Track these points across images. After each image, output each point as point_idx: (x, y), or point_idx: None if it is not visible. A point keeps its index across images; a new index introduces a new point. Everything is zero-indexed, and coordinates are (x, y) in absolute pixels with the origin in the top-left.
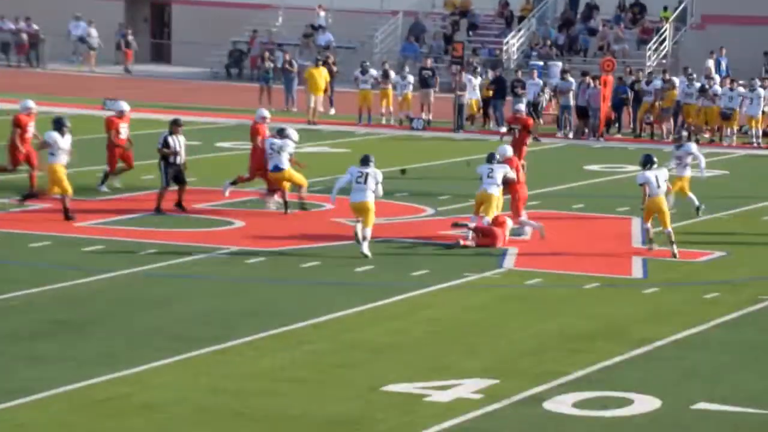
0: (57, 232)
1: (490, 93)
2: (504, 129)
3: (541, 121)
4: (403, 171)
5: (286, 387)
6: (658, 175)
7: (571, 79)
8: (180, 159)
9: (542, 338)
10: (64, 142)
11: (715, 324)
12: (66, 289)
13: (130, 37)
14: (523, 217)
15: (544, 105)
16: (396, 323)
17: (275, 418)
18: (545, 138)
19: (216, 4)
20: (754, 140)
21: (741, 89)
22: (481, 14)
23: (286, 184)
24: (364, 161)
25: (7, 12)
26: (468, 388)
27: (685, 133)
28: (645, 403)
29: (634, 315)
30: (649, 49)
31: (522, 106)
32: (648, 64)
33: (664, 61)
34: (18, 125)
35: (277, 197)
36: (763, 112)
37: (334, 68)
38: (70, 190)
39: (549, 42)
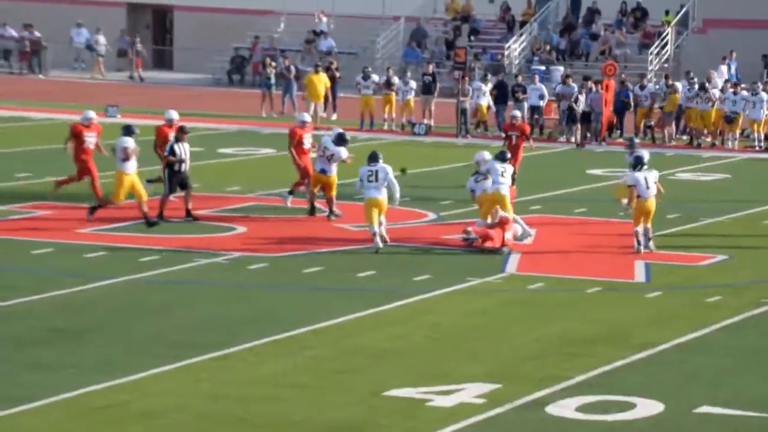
0: (59, 239)
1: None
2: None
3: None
4: (403, 171)
5: (287, 393)
6: (648, 177)
7: (573, 84)
8: (185, 167)
9: (545, 343)
10: (135, 149)
11: (717, 327)
12: (66, 296)
13: (139, 45)
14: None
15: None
16: (398, 328)
17: (277, 425)
18: (549, 143)
19: (218, 10)
20: (756, 144)
21: (744, 93)
22: (482, 19)
23: (315, 189)
24: (373, 158)
25: (9, 19)
26: (470, 392)
27: (637, 140)
28: (647, 407)
29: (637, 319)
30: (651, 53)
31: (518, 113)
32: (650, 68)
33: (666, 65)
34: (75, 135)
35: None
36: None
37: (337, 74)
38: (145, 196)
39: (550, 47)
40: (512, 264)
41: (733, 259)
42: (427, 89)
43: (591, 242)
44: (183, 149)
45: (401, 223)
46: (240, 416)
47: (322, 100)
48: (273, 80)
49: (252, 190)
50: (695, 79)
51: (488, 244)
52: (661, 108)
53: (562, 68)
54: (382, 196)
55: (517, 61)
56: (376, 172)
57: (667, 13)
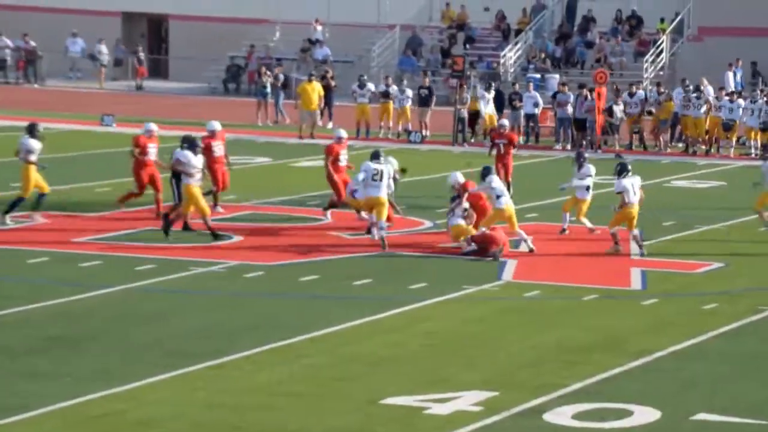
0: (55, 248)
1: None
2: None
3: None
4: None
5: (284, 401)
6: (634, 183)
7: (569, 92)
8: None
9: (541, 350)
10: (198, 160)
11: (714, 335)
12: (62, 305)
13: (142, 54)
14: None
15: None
16: (394, 336)
17: None
18: (543, 150)
19: (213, 19)
20: (753, 151)
21: (741, 101)
22: (478, 27)
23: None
24: (376, 156)
25: (4, 29)
26: (467, 400)
27: (587, 155)
28: (644, 415)
29: (633, 326)
30: (647, 61)
31: (506, 121)
32: (645, 76)
33: (661, 73)
34: (137, 147)
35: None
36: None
37: (332, 83)
38: (207, 209)
39: (545, 55)
40: (508, 271)
41: (730, 266)
42: (423, 101)
43: (587, 250)
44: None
45: (397, 231)
46: (236, 425)
47: (315, 107)
48: (269, 89)
49: (247, 198)
50: (690, 87)
51: (494, 248)
52: (649, 113)
53: (557, 76)
54: (383, 195)
55: (512, 70)
56: (382, 172)
57: (662, 21)
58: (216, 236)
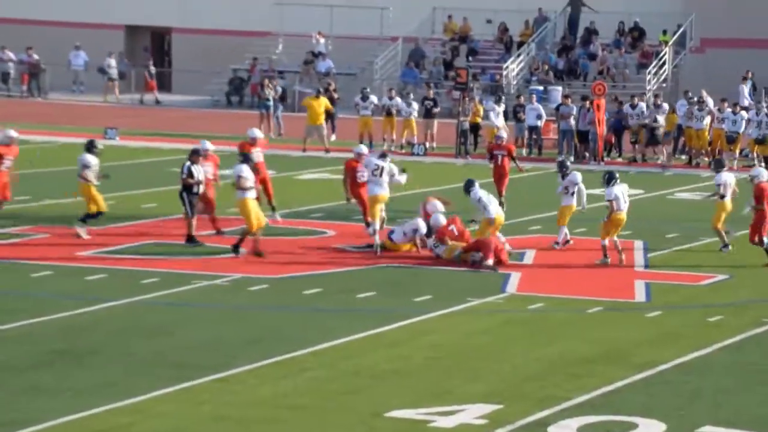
0: (59, 261)
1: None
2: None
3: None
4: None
5: (288, 414)
6: (624, 192)
7: (572, 104)
8: (202, 188)
9: (546, 363)
10: (252, 174)
11: (718, 347)
12: (66, 318)
13: (152, 68)
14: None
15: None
16: (398, 349)
17: None
18: (546, 162)
19: (216, 32)
20: (756, 163)
21: (744, 113)
22: (480, 40)
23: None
24: (382, 156)
25: (8, 42)
26: (472, 413)
27: (568, 163)
28: (649, 427)
29: (638, 339)
30: (649, 73)
31: (504, 133)
32: (648, 88)
33: (664, 84)
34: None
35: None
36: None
37: (335, 95)
38: (263, 221)
39: (548, 67)
40: (512, 284)
41: (734, 278)
42: (428, 113)
43: (591, 262)
44: (199, 171)
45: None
46: None
47: (321, 122)
48: (271, 101)
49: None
50: (694, 99)
51: (503, 256)
52: (644, 126)
53: (560, 88)
54: (385, 192)
55: (515, 82)
56: (382, 169)
57: (664, 32)
58: (258, 253)
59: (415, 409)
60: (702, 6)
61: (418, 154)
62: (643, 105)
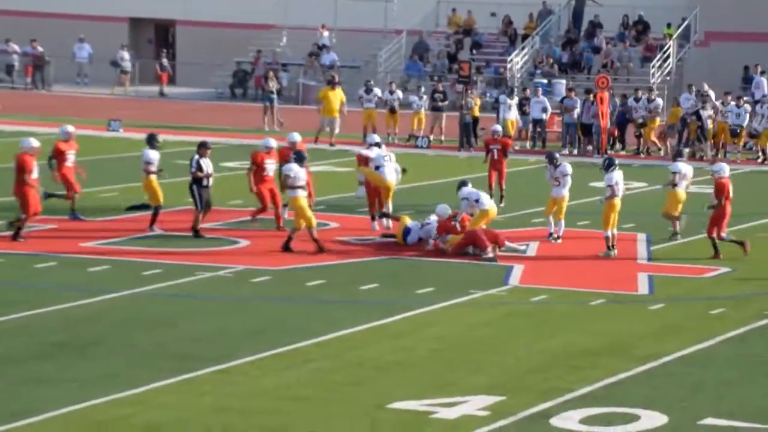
0: (63, 252)
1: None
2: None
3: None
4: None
5: (291, 406)
6: (620, 178)
7: (576, 97)
8: (211, 182)
9: (548, 355)
10: (304, 173)
11: (721, 339)
12: (68, 309)
13: (165, 60)
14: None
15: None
16: (401, 341)
17: None
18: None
19: (220, 24)
20: (760, 156)
21: (747, 106)
22: (484, 33)
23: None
24: (378, 146)
25: (12, 35)
26: (474, 405)
27: (557, 155)
28: (652, 419)
29: (640, 331)
30: (653, 66)
31: (499, 127)
32: (652, 81)
33: (668, 78)
34: (254, 162)
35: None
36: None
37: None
38: (314, 221)
39: (552, 60)
40: (515, 276)
41: (737, 271)
42: (437, 107)
43: (594, 254)
44: (208, 164)
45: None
46: (243, 429)
47: (336, 114)
48: (275, 94)
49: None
50: (701, 92)
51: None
52: (642, 124)
53: (564, 81)
54: (393, 180)
55: (519, 75)
56: (390, 155)
57: (669, 26)
58: (320, 249)
59: (418, 400)
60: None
61: (421, 147)
62: (648, 100)
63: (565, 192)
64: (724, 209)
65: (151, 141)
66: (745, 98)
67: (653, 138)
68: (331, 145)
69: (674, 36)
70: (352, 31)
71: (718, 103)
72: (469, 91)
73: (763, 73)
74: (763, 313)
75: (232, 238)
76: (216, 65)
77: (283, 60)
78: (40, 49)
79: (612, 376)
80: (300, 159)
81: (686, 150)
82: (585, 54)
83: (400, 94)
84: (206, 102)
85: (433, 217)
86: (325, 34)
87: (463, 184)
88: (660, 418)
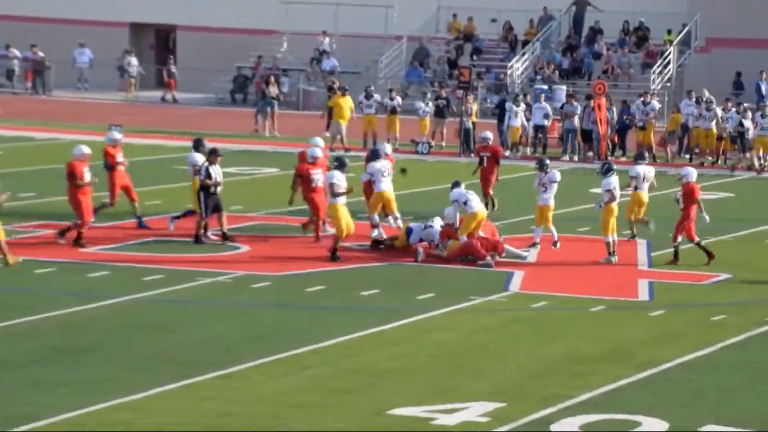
0: (63, 258)
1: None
2: (508, 153)
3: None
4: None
5: (291, 412)
6: (618, 183)
7: (576, 104)
8: (219, 189)
9: (548, 361)
10: (344, 180)
11: (722, 346)
12: (69, 315)
13: (173, 67)
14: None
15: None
16: (401, 347)
17: None
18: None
19: (220, 30)
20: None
21: (749, 112)
22: (485, 39)
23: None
24: (376, 155)
25: (13, 40)
26: (475, 411)
27: (548, 161)
28: (652, 426)
29: (641, 337)
30: (654, 72)
31: (490, 134)
32: (652, 87)
33: (668, 84)
34: (300, 176)
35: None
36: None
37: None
38: (352, 227)
39: (553, 66)
40: (516, 283)
41: (737, 277)
42: (440, 112)
43: (594, 261)
44: (217, 172)
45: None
46: None
47: (347, 120)
48: (276, 100)
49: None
50: (703, 99)
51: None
52: (642, 128)
53: (565, 87)
54: (391, 188)
55: (519, 81)
56: (387, 168)
57: (669, 32)
58: (334, 257)
59: (418, 406)
60: (707, 6)
61: (422, 153)
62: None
63: (551, 200)
64: (689, 213)
65: (198, 145)
66: (746, 105)
67: (653, 142)
68: (347, 150)
69: (675, 42)
70: (353, 36)
71: (719, 110)
72: (469, 97)
73: None
74: (764, 319)
75: (233, 243)
76: (217, 70)
77: (284, 65)
78: (40, 54)
79: (612, 383)
80: (341, 166)
81: (686, 156)
82: (586, 60)
83: (399, 100)
84: (207, 107)
85: (437, 220)
86: (326, 40)
87: (456, 184)
88: (660, 425)
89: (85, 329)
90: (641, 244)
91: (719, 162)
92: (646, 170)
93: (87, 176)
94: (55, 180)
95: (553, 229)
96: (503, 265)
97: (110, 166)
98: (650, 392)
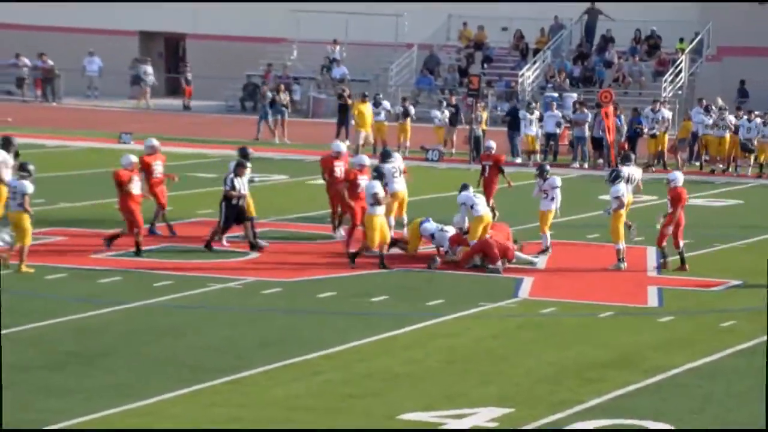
0: (73, 264)
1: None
2: (519, 160)
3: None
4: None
5: (301, 417)
6: (626, 189)
7: (587, 111)
8: (243, 201)
9: (558, 367)
10: (382, 189)
11: (731, 352)
12: (79, 320)
13: (189, 75)
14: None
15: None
16: (411, 352)
17: None
18: (561, 169)
19: (230, 38)
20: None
21: (758, 120)
22: (495, 47)
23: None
24: (387, 155)
25: (23, 49)
26: (484, 416)
27: (548, 168)
28: None
29: (650, 343)
30: (665, 80)
31: (493, 143)
32: (664, 95)
33: (680, 92)
34: (348, 180)
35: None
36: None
37: (349, 101)
38: (388, 237)
39: (564, 74)
40: (525, 289)
41: (747, 284)
42: (451, 120)
43: (603, 267)
44: (242, 184)
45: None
46: None
47: (369, 128)
48: (288, 107)
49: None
50: (717, 107)
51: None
52: (652, 136)
53: (575, 95)
54: (404, 189)
55: (530, 89)
56: (399, 170)
57: (681, 40)
58: (384, 265)
59: (427, 412)
60: (719, 14)
61: (432, 160)
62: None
63: (553, 205)
64: (680, 218)
65: (244, 154)
66: (756, 112)
67: (665, 149)
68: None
69: (686, 50)
70: (363, 44)
71: (732, 117)
72: (479, 105)
73: None
74: None
75: (242, 249)
76: (227, 78)
77: (294, 73)
78: (50, 62)
79: (621, 389)
80: (381, 176)
81: (696, 164)
82: (597, 68)
83: (412, 109)
84: (217, 115)
85: (451, 228)
86: (336, 48)
87: (464, 187)
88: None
89: (97, 335)
90: (650, 250)
91: (729, 169)
92: (632, 171)
93: (137, 186)
94: (66, 186)
95: (547, 235)
96: (512, 272)
97: (143, 173)
98: (659, 398)
